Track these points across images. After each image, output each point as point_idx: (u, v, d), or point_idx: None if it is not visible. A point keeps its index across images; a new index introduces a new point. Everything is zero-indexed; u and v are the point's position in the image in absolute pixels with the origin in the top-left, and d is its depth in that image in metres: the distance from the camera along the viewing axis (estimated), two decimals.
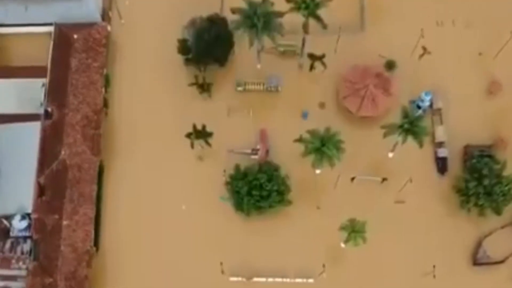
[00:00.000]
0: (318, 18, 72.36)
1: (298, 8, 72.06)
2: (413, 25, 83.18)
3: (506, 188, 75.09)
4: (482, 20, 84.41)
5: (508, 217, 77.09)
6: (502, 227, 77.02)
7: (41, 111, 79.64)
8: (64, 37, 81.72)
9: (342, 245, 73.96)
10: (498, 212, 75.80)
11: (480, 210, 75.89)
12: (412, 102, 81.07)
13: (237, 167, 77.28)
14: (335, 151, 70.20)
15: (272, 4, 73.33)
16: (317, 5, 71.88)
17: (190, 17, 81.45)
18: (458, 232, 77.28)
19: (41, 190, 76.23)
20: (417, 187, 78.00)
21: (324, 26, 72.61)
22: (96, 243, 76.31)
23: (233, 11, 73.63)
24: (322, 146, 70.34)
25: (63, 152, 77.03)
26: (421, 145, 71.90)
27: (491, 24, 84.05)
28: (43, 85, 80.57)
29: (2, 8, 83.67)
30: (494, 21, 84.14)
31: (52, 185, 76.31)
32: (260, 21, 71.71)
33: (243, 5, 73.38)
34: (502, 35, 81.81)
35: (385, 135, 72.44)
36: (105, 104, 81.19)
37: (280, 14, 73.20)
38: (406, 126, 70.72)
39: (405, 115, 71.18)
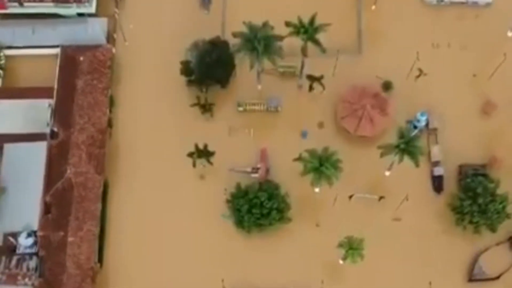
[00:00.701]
0: (316, 42, 74.44)
1: (297, 33, 74.21)
2: (409, 47, 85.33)
3: (500, 206, 76.90)
4: (476, 43, 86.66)
5: (503, 234, 78.75)
6: (497, 244, 78.58)
7: (47, 130, 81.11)
8: (70, 59, 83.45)
9: (341, 261, 75.58)
10: (493, 229, 77.60)
11: (475, 228, 77.63)
12: (409, 122, 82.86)
13: (238, 186, 78.93)
14: (333, 170, 71.94)
15: (272, 28, 75.38)
16: (315, 30, 74.03)
17: (192, 40, 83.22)
18: (453, 249, 78.78)
19: (47, 208, 77.78)
20: (413, 205, 79.42)
21: (323, 50, 74.74)
22: (100, 259, 77.90)
23: (235, 35, 75.72)
24: (321, 166, 72.10)
25: (68, 171, 78.44)
26: (417, 164, 73.76)
27: (485, 47, 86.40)
28: (50, 105, 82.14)
29: (10, 31, 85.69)
30: (487, 44, 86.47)
31: (58, 203, 77.78)
32: (260, 45, 73.63)
33: (244, 29, 75.40)
34: (495, 57, 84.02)
35: (382, 155, 74.29)
36: (110, 124, 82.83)
37: (280, 38, 75.23)
38: (402, 146, 72.58)
39: (401, 135, 73.05)
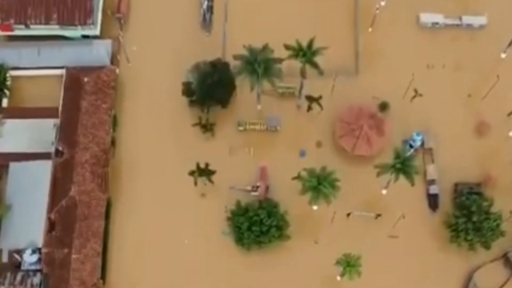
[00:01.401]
0: (314, 65, 76.13)
1: (296, 56, 75.91)
2: (405, 68, 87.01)
3: (494, 224, 78.44)
4: (471, 64, 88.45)
5: (497, 252, 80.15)
6: (492, 261, 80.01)
7: (52, 150, 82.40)
8: (74, 79, 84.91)
9: (338, 278, 76.82)
10: (487, 246, 79.10)
11: (469, 245, 79.08)
12: (405, 141, 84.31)
13: (238, 203, 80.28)
14: (331, 189, 73.43)
15: (272, 51, 77.05)
16: (314, 53, 75.71)
17: (194, 62, 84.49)
18: (449, 265, 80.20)
19: (51, 226, 79.13)
20: (409, 223, 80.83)
21: (321, 73, 76.47)
22: (103, 276, 79.00)
23: (235, 57, 77.38)
24: (319, 185, 73.56)
25: (72, 189, 79.73)
26: (412, 183, 75.26)
27: (479, 68, 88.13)
28: (55, 125, 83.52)
29: (16, 52, 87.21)
30: (481, 65, 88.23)
31: (62, 221, 79.12)
32: (260, 67, 75.24)
33: (244, 52, 77.12)
34: (489, 78, 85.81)
35: (378, 175, 75.84)
36: (113, 143, 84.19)
37: (280, 61, 76.93)
38: (398, 166, 74.19)
39: (397, 155, 74.64)
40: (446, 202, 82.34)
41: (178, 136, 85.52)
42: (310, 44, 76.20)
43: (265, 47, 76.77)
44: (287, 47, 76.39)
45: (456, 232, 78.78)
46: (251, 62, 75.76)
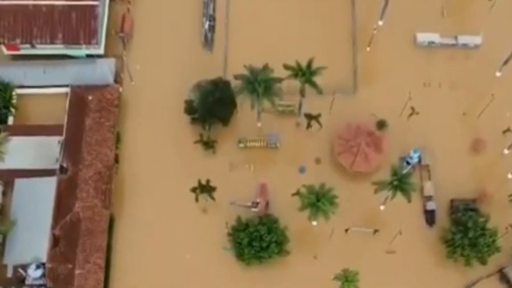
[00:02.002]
0: (313, 85, 77.43)
1: (295, 75, 77.26)
2: (402, 87, 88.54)
3: (490, 239, 79.44)
4: (466, 83, 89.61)
5: (492, 267, 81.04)
6: (487, 276, 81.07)
7: (56, 166, 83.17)
8: (79, 97, 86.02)
9: None
10: (483, 262, 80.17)
11: (466, 260, 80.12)
12: (402, 158, 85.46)
13: (238, 219, 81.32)
14: (329, 206, 74.55)
15: (272, 71, 78.51)
16: (312, 73, 77.06)
17: (195, 80, 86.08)
18: (445, 280, 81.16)
19: (55, 241, 79.95)
20: (407, 238, 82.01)
21: (319, 92, 77.84)
22: None
23: (236, 77, 78.81)
24: (317, 201, 74.63)
25: (76, 205, 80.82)
26: (409, 200, 76.44)
27: (475, 86, 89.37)
28: (59, 142, 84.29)
29: (22, 71, 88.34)
30: (477, 83, 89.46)
31: (66, 236, 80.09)
32: (261, 87, 76.59)
33: (245, 71, 78.67)
34: (484, 96, 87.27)
35: (376, 191, 77.11)
36: (116, 159, 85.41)
37: (279, 80, 78.41)
38: (395, 183, 75.27)
39: (394, 172, 75.75)
40: (442, 218, 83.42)
41: (180, 153, 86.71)
42: (309, 64, 77.64)
43: (265, 67, 78.24)
44: (286, 67, 77.88)
45: (453, 248, 79.94)
46: (252, 81, 77.17)
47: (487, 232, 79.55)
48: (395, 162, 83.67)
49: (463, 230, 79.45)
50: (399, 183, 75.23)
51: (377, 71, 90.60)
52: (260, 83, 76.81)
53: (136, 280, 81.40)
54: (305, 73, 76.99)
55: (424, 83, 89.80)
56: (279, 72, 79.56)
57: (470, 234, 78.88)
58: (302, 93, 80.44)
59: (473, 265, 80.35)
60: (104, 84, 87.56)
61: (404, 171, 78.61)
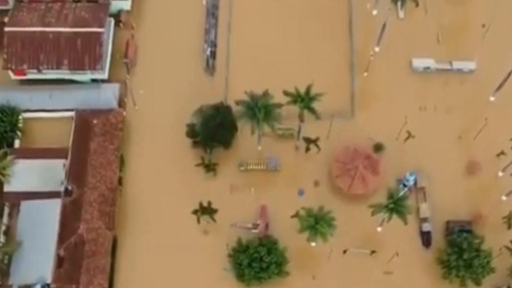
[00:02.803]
0: (312, 110, 79.41)
1: (294, 102, 79.33)
2: (398, 111, 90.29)
3: (485, 260, 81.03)
4: (461, 107, 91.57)
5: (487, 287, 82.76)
6: None
7: (61, 189, 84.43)
8: (84, 121, 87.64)
9: None
10: (477, 283, 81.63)
11: (461, 281, 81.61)
12: (399, 181, 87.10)
13: (239, 241, 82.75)
14: (327, 228, 76.18)
15: (272, 97, 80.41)
16: (311, 99, 79.07)
17: (197, 105, 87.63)
18: None
19: (60, 262, 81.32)
20: (403, 259, 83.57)
21: (318, 117, 79.89)
22: None
23: (237, 103, 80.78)
24: (316, 224, 76.25)
25: (81, 227, 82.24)
26: (405, 222, 78.10)
27: (469, 110, 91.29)
28: (64, 165, 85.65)
29: (28, 95, 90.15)
30: (471, 107, 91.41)
31: (70, 257, 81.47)
32: (261, 112, 78.45)
33: (246, 97, 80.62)
34: (478, 120, 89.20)
35: (373, 214, 78.82)
36: (120, 182, 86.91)
37: (279, 106, 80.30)
38: (391, 206, 77.00)
39: (390, 195, 77.48)
40: (438, 239, 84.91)
41: (182, 176, 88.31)
42: (307, 91, 79.70)
43: (265, 93, 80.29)
44: (286, 93, 79.97)
45: (448, 269, 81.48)
46: (252, 107, 79.14)
47: (482, 253, 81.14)
48: (392, 184, 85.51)
49: (458, 252, 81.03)
50: (395, 206, 76.98)
51: (374, 96, 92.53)
52: (260, 109, 78.74)
53: None
54: (304, 100, 79.03)
55: (420, 107, 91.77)
56: (279, 97, 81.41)
57: (465, 255, 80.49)
58: (301, 118, 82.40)
59: (468, 286, 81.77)
60: (109, 108, 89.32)
61: (401, 194, 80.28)
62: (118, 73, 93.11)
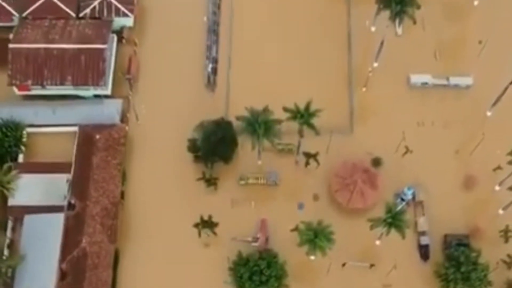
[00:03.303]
0: (311, 126, 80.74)
1: (294, 118, 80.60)
2: (396, 126, 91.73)
3: (482, 274, 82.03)
4: (458, 122, 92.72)
5: None
6: None
7: (65, 203, 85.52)
8: (87, 137, 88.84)
9: None
10: None
11: None
12: (397, 195, 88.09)
13: (239, 254, 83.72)
14: (326, 242, 77.18)
15: (272, 113, 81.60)
16: (310, 115, 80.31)
17: (199, 120, 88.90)
18: None
19: (63, 275, 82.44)
20: (402, 272, 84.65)
21: (317, 133, 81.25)
22: None
23: (238, 118, 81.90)
24: (315, 238, 77.25)
25: (83, 241, 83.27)
26: (403, 236, 79.08)
27: (466, 125, 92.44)
28: (67, 179, 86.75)
29: (33, 110, 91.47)
30: (468, 122, 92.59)
31: (73, 270, 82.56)
32: (261, 128, 79.68)
33: (246, 113, 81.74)
34: (475, 135, 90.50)
35: (371, 228, 79.84)
36: (122, 196, 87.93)
37: (279, 122, 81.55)
38: (389, 220, 78.03)
39: (389, 210, 78.48)
40: (436, 253, 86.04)
41: (183, 190, 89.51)
42: (307, 107, 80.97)
43: (265, 109, 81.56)
44: (286, 109, 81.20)
45: (446, 282, 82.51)
46: (252, 123, 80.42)
47: (479, 266, 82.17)
48: (390, 198, 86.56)
49: (456, 265, 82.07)
50: (393, 220, 78.08)
51: (372, 111, 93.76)
52: (260, 125, 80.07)
53: None
54: (303, 116, 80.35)
55: (417, 122, 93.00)
56: (278, 113, 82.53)
57: (463, 269, 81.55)
58: (300, 133, 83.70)
59: None
60: (111, 123, 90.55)
61: (399, 208, 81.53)
62: (121, 88, 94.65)
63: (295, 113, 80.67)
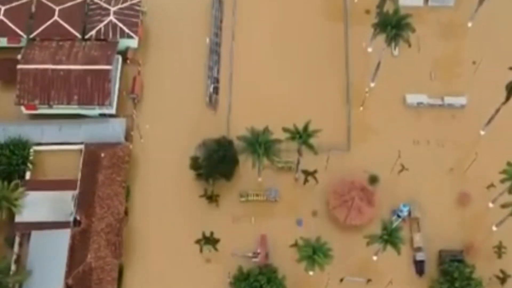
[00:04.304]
0: (310, 146, 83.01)
1: (293, 138, 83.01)
2: (393, 144, 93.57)
3: None
4: (453, 140, 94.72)
5: None
6: None
7: (70, 219, 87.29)
8: (92, 155, 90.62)
9: None
10: None
11: None
12: (393, 211, 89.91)
13: (240, 269, 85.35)
14: (324, 258, 79.00)
15: (272, 133, 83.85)
16: (309, 136, 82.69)
17: (200, 138, 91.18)
18: None
19: None
20: (398, 287, 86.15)
21: (315, 153, 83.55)
22: None
23: (239, 138, 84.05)
24: (313, 254, 79.12)
25: (89, 256, 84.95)
26: (398, 252, 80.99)
27: (460, 144, 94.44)
28: (73, 196, 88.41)
29: (39, 129, 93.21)
30: (462, 141, 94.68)
31: (79, 285, 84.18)
32: (261, 148, 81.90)
33: (247, 133, 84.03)
34: (469, 153, 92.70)
35: (368, 244, 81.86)
36: (126, 212, 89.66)
37: (279, 142, 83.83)
38: (385, 237, 79.98)
39: (384, 227, 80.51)
40: (431, 268, 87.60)
41: (185, 206, 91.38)
42: (305, 128, 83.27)
43: (265, 130, 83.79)
44: (285, 130, 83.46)
45: None
46: (253, 143, 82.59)
47: (473, 282, 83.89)
48: (386, 215, 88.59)
49: (450, 280, 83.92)
50: (389, 237, 79.98)
51: (369, 130, 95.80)
52: (260, 145, 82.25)
53: None
54: (302, 136, 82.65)
55: (413, 140, 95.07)
56: (278, 131, 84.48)
57: (457, 284, 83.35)
58: (299, 152, 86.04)
59: None
60: (116, 142, 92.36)
61: (395, 225, 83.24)
62: (125, 107, 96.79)
63: (294, 133, 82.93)
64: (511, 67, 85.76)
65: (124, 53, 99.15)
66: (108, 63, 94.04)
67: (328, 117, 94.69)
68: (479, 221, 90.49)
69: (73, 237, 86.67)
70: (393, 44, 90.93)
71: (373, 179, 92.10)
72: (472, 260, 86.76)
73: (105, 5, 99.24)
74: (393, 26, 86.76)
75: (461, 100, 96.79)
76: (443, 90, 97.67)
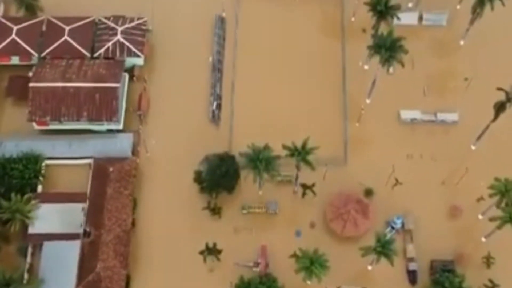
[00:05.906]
0: (308, 162, 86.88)
1: (292, 155, 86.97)
2: (387, 158, 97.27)
3: None
4: (445, 155, 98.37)
5: None
6: None
7: (80, 231, 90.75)
8: (101, 169, 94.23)
9: None
10: None
11: None
12: (387, 223, 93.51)
13: (241, 278, 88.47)
14: (321, 269, 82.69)
15: (272, 150, 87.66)
16: (307, 153, 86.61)
17: (204, 153, 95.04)
18: None
19: None
20: None
21: (313, 168, 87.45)
22: None
23: (241, 155, 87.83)
24: (311, 265, 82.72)
25: (98, 266, 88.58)
26: (392, 264, 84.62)
27: (452, 158, 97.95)
28: (83, 209, 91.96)
29: (50, 144, 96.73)
30: (454, 155, 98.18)
31: None
32: (262, 164, 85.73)
33: (248, 150, 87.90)
34: (460, 167, 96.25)
35: (363, 255, 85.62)
36: (133, 223, 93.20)
37: (278, 158, 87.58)
38: (379, 249, 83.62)
39: (378, 239, 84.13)
40: (424, 278, 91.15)
41: (189, 218, 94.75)
42: (304, 145, 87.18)
43: (266, 147, 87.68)
44: (284, 147, 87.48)
45: None
46: (254, 160, 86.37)
47: None
48: (381, 226, 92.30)
49: None
50: (382, 249, 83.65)
51: (365, 145, 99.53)
52: (261, 161, 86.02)
53: None
54: (300, 153, 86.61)
55: (407, 155, 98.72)
56: (278, 146, 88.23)
57: None
58: (298, 167, 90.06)
59: None
60: (124, 156, 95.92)
61: (389, 236, 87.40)
62: (132, 123, 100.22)
63: (293, 150, 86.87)
64: (499, 87, 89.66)
65: (130, 71, 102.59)
66: (116, 81, 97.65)
67: (326, 133, 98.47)
68: (469, 232, 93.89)
69: (83, 248, 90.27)
70: (387, 65, 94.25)
71: (368, 192, 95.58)
72: (462, 270, 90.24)
73: (112, 25, 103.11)
74: (387, 49, 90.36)
75: (453, 117, 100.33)
76: (436, 106, 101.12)
